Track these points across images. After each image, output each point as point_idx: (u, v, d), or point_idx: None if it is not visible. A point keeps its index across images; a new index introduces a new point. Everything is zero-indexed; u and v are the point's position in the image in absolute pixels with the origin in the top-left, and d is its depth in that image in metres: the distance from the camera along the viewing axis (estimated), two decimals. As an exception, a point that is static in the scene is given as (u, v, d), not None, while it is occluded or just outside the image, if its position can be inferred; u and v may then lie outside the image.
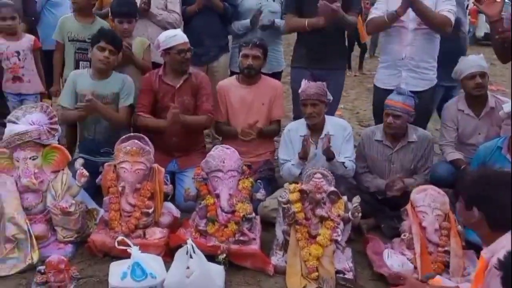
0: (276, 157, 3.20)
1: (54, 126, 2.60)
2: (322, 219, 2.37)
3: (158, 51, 3.06)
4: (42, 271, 2.16)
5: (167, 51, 2.96)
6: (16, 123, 2.55)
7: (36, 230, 2.39)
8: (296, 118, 3.21)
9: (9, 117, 2.60)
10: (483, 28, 16.85)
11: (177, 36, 2.98)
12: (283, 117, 3.33)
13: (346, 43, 3.75)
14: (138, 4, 3.40)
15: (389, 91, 2.93)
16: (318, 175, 2.39)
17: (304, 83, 2.79)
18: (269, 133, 3.21)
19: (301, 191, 2.39)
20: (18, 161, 2.51)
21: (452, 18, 2.90)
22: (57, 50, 3.48)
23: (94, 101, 2.85)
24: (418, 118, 2.85)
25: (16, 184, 2.48)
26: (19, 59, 3.45)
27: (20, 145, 2.51)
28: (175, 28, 3.56)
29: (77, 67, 3.39)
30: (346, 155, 2.79)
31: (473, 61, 2.94)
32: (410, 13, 2.92)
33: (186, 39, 3.00)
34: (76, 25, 3.40)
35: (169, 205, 2.67)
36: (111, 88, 3.03)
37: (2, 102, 3.70)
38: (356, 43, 8.82)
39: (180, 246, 2.14)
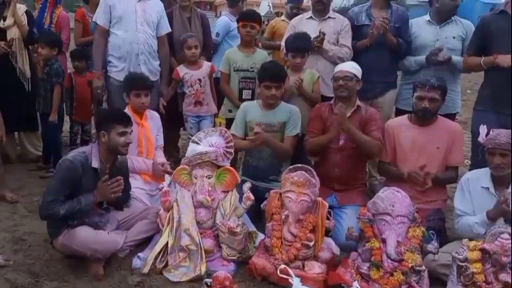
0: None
1: (230, 149, 2.81)
2: (506, 286, 2.06)
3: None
4: (209, 283, 2.30)
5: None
6: (199, 144, 2.83)
7: (205, 244, 2.57)
8: (473, 166, 2.90)
9: (193, 137, 2.90)
10: None
11: (338, 66, 3.14)
12: (461, 164, 3.03)
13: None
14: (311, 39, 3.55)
15: None
16: (506, 235, 2.09)
17: (491, 131, 2.50)
18: (445, 180, 2.95)
19: (483, 251, 2.11)
20: (196, 178, 2.77)
21: None
22: (224, 80, 3.76)
23: (263, 133, 3.04)
24: None
25: (192, 199, 2.74)
26: (201, 86, 3.86)
27: (199, 164, 2.77)
28: (344, 62, 3.62)
29: (240, 94, 3.67)
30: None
31: None
32: None
33: (344, 68, 3.09)
34: (240, 56, 3.68)
35: (329, 240, 2.63)
36: (278, 117, 3.18)
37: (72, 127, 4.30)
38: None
39: (339, 285, 2.07)
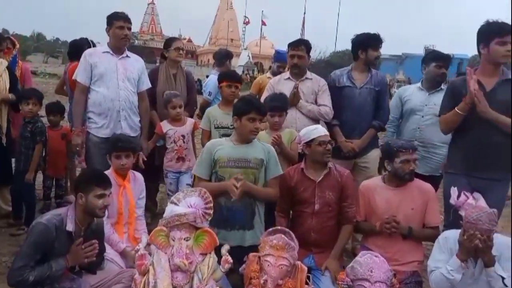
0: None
1: (209, 211, 2.79)
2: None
3: (300, 146, 3.16)
4: None
5: (308, 144, 3.05)
6: (177, 205, 2.80)
7: (182, 310, 2.49)
8: (446, 227, 2.95)
9: (172, 198, 2.88)
10: None
11: (318, 129, 3.09)
12: (439, 223, 3.05)
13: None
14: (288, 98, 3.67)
15: None
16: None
17: (462, 193, 2.56)
18: (424, 236, 2.98)
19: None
20: (173, 240, 2.71)
21: None
22: (205, 137, 3.82)
23: (246, 182, 2.85)
24: None
25: (169, 262, 2.67)
26: (184, 142, 3.90)
27: (177, 226, 2.73)
28: (326, 120, 3.75)
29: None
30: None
31: None
32: None
33: (327, 132, 3.10)
34: (221, 113, 3.76)
35: (308, 306, 2.58)
36: (255, 153, 2.98)
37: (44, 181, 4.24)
38: None
39: None
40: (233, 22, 61.50)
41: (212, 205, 2.81)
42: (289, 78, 3.93)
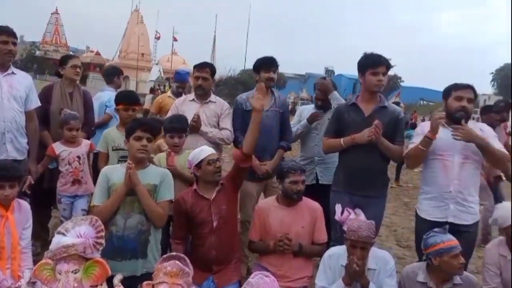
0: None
1: (100, 240, 2.67)
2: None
3: (191, 171, 3.17)
4: None
5: (198, 166, 3.07)
6: (65, 235, 2.64)
7: None
8: (335, 242, 3.15)
9: (59, 228, 2.71)
10: None
11: (205, 150, 3.13)
12: (325, 240, 3.25)
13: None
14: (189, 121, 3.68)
15: (435, 223, 2.92)
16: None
17: (345, 210, 2.77)
18: (312, 253, 3.16)
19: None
20: (60, 274, 2.55)
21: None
22: (102, 160, 3.69)
23: (140, 184, 2.77)
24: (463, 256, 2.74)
25: (55, 297, 2.50)
26: (80, 163, 3.72)
27: (64, 258, 2.57)
28: (227, 144, 3.83)
29: (120, 174, 3.60)
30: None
31: None
32: (457, 146, 2.98)
33: (214, 151, 3.15)
34: (118, 135, 3.66)
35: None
36: (148, 179, 2.89)
37: None
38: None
39: None
40: (144, 36, 60.25)
41: (103, 234, 2.69)
42: (193, 99, 3.96)
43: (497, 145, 2.97)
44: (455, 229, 2.90)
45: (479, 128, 3.06)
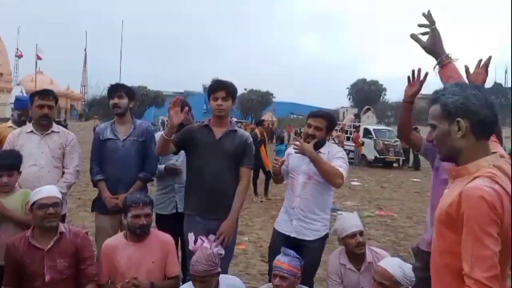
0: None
1: None
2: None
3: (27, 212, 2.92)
4: None
5: (32, 208, 2.84)
6: None
7: None
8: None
9: None
10: (372, 152, 19.17)
11: (41, 190, 2.90)
12: (178, 273, 3.17)
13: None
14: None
15: (282, 235, 3.19)
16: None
17: (195, 254, 2.71)
18: None
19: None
20: None
21: (344, 173, 3.17)
22: None
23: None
24: (305, 272, 2.94)
25: None
26: None
27: None
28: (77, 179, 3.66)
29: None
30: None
31: (352, 220, 3.25)
32: (301, 167, 3.23)
33: (54, 194, 2.90)
34: None
35: None
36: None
37: None
38: (261, 170, 9.33)
39: None
40: (3, 54, 54.22)
41: None
42: (32, 131, 3.63)
43: (337, 163, 3.21)
44: (300, 244, 3.15)
45: (329, 149, 3.33)
